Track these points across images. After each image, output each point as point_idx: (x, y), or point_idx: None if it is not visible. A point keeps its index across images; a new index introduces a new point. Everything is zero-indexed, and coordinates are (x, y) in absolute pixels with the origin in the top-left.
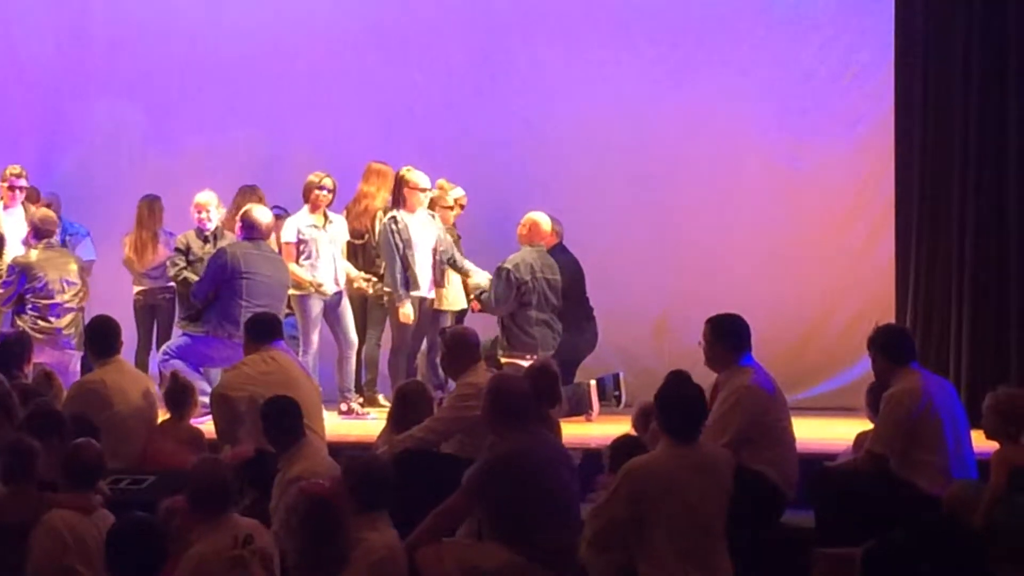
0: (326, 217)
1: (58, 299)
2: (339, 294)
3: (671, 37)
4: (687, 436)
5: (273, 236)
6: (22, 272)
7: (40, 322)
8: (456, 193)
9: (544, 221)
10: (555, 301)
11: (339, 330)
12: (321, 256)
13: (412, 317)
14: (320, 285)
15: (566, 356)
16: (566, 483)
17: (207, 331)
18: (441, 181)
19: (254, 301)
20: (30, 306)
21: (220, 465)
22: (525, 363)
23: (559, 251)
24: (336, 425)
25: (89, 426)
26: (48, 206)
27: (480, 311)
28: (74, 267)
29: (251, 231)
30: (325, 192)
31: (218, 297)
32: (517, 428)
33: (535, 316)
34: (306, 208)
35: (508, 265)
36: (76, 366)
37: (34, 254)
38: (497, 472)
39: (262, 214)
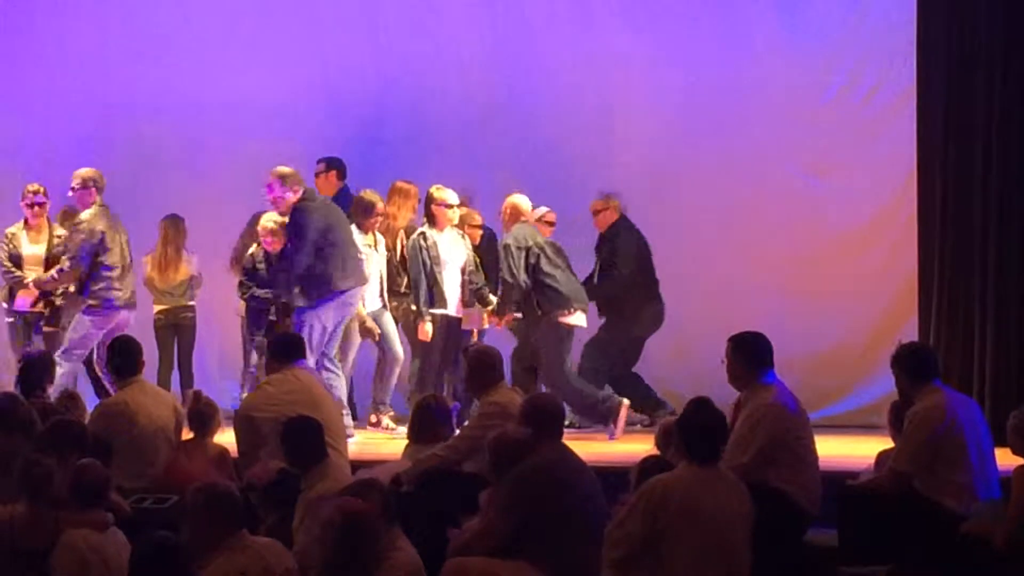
0: (375, 236)
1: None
2: (384, 308)
3: (690, 61)
4: (707, 461)
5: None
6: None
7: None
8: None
9: (523, 202)
10: (563, 260)
11: (385, 343)
12: (371, 275)
13: (431, 335)
14: (364, 321)
15: (621, 341)
16: (594, 499)
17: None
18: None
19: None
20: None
21: (217, 489)
22: (568, 318)
23: (623, 227)
24: (361, 444)
25: (103, 446)
26: None
27: (503, 325)
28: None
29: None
30: (379, 218)
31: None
32: (549, 441)
33: (555, 272)
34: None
35: (507, 240)
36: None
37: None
38: (532, 484)
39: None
